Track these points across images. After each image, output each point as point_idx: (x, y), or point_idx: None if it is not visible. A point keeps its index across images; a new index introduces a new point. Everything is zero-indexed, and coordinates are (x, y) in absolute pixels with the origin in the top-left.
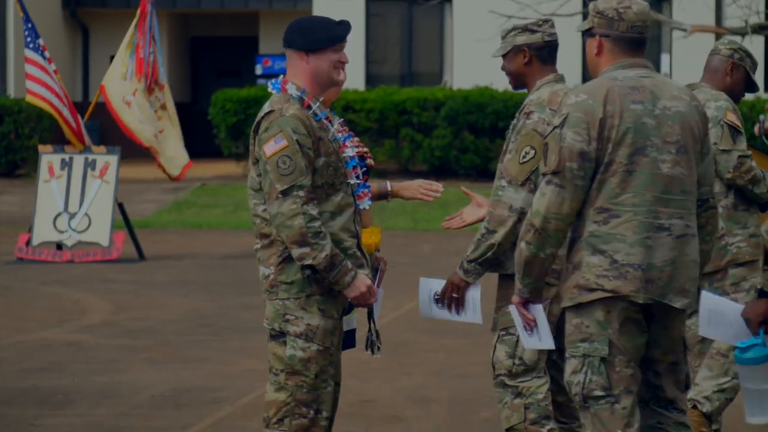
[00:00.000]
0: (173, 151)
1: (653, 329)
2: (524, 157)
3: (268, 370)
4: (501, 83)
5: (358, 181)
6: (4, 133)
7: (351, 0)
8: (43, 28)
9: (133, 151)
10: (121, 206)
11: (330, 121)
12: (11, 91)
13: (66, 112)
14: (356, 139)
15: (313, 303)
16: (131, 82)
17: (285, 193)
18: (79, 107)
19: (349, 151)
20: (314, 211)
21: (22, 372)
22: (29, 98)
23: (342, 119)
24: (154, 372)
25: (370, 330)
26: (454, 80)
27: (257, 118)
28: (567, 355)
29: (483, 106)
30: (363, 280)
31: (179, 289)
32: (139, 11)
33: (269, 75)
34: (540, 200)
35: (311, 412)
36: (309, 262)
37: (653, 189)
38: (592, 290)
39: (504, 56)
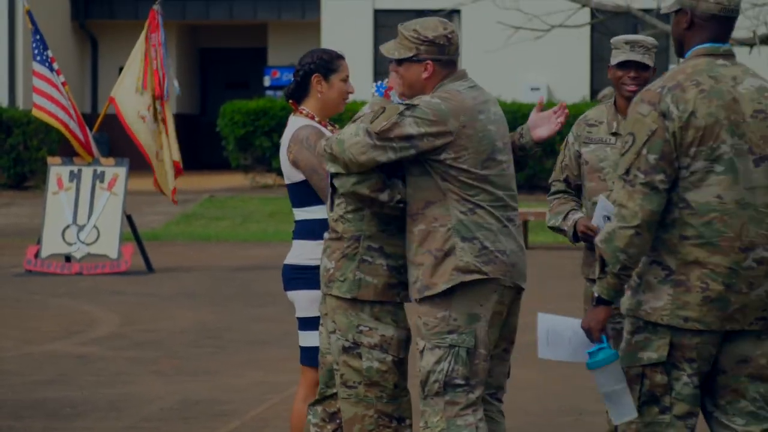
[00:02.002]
0: (168, 169)
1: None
2: None
3: (340, 384)
4: (509, 95)
5: None
6: (12, 144)
7: (359, 11)
8: (52, 40)
9: (141, 163)
10: (129, 218)
11: None
12: (20, 103)
13: (73, 125)
14: None
15: (387, 314)
16: (145, 97)
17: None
18: (88, 119)
19: None
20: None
21: (31, 384)
22: (35, 112)
23: None
24: (162, 384)
25: None
26: None
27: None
28: (429, 345)
29: None
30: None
31: (187, 301)
32: (147, 23)
33: (277, 87)
34: None
35: (394, 422)
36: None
37: (504, 188)
38: (470, 272)
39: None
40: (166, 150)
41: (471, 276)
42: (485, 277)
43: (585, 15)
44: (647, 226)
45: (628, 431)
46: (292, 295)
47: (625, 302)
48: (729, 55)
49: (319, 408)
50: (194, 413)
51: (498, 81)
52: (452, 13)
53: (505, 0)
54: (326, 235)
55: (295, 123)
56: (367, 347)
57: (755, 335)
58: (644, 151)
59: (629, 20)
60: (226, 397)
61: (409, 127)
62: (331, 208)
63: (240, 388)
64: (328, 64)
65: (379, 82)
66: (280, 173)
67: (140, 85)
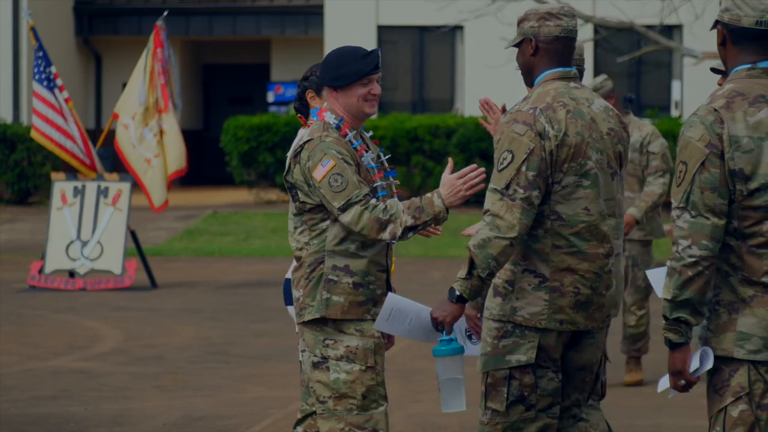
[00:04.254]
0: (162, 179)
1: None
2: None
3: (315, 401)
4: None
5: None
6: (17, 160)
7: (363, 27)
8: (56, 56)
9: None
10: (133, 234)
11: (366, 150)
12: (24, 119)
13: (71, 146)
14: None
15: (350, 325)
16: (134, 106)
17: (344, 209)
18: (92, 134)
19: (380, 182)
20: (373, 200)
21: (34, 400)
22: (33, 134)
23: (383, 151)
24: (165, 400)
25: None
26: (466, 107)
27: (296, 146)
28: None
29: None
30: (448, 183)
31: (190, 317)
32: (152, 39)
33: (281, 102)
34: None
35: None
36: (401, 231)
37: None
38: None
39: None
40: (162, 160)
41: None
42: None
43: (588, 31)
44: (521, 238)
45: (493, 431)
46: (292, 309)
47: (496, 308)
48: (577, 78)
49: (300, 429)
50: (197, 428)
51: (501, 96)
52: (455, 29)
53: (508, 16)
54: (293, 265)
55: (301, 135)
56: (334, 359)
57: (595, 344)
58: (523, 168)
59: (632, 36)
60: (229, 412)
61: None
62: (293, 238)
63: (243, 403)
64: (321, 80)
65: (314, 109)
66: (283, 189)
67: (142, 97)
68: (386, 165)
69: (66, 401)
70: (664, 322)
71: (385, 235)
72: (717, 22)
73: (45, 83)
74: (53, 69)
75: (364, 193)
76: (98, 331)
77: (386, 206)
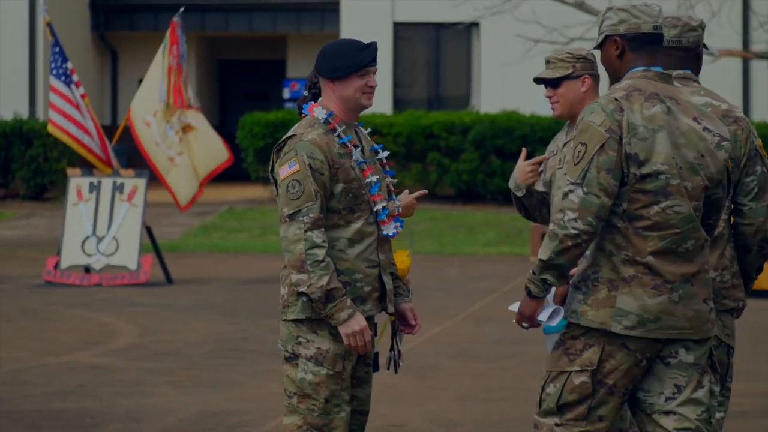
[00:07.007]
0: (187, 177)
1: None
2: None
3: (283, 392)
4: (528, 107)
5: (384, 204)
6: (32, 156)
7: (379, 24)
8: (72, 52)
9: None
10: (148, 230)
11: (356, 145)
12: (40, 115)
13: (88, 141)
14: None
15: (325, 327)
16: (154, 103)
17: (291, 217)
18: (108, 130)
19: (373, 177)
20: (319, 239)
21: (49, 395)
22: (50, 128)
23: (381, 149)
24: (180, 395)
25: (392, 349)
26: (482, 104)
27: (280, 141)
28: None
29: (510, 130)
30: (359, 320)
31: (206, 313)
32: (168, 35)
33: (296, 99)
34: None
35: None
36: (303, 289)
37: None
38: None
39: None
40: (191, 158)
41: None
42: None
43: None
44: None
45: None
46: None
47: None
48: None
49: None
50: (212, 424)
51: (517, 94)
52: (471, 26)
53: (524, 13)
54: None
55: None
56: (303, 358)
57: None
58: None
59: None
60: (245, 408)
61: None
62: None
63: (258, 399)
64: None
65: (306, 104)
66: None
67: (162, 94)
68: (384, 162)
69: (81, 397)
70: (530, 273)
71: (293, 276)
72: (608, 38)
73: (62, 78)
74: (69, 65)
75: (315, 209)
76: (113, 326)
77: (323, 260)
